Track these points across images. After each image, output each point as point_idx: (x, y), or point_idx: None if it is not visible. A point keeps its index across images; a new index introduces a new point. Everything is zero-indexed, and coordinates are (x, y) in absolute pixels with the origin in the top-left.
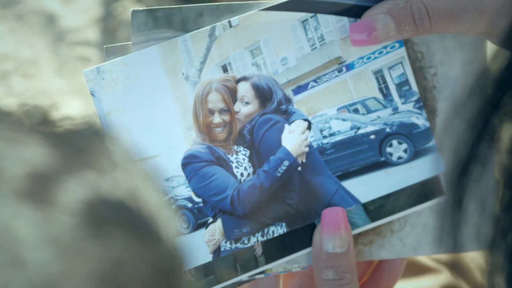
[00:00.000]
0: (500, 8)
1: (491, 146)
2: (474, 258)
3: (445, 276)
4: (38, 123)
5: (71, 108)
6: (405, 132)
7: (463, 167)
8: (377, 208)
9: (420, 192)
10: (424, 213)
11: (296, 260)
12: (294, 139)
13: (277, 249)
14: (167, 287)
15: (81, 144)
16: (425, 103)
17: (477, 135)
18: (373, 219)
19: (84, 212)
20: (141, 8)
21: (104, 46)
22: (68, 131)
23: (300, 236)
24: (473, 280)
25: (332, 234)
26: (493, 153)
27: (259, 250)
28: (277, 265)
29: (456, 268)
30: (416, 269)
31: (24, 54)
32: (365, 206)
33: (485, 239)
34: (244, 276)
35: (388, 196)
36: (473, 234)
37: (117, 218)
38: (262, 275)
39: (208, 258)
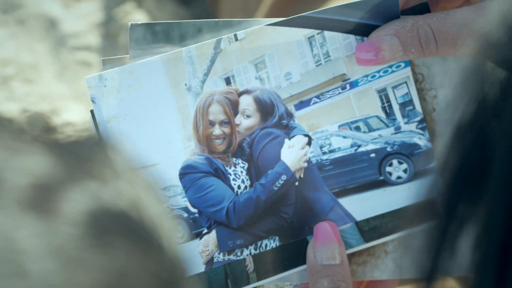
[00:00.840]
0: None
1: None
2: None
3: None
4: (40, 132)
5: (72, 113)
6: (406, 152)
7: (451, 209)
8: (372, 229)
9: (416, 215)
10: (419, 235)
11: (288, 278)
12: (293, 154)
13: (269, 266)
14: None
15: (83, 153)
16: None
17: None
18: (367, 240)
19: (87, 222)
20: (139, 22)
21: (102, 59)
22: (70, 140)
23: (293, 253)
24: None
25: (325, 247)
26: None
27: (251, 267)
28: (269, 282)
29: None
30: (412, 281)
31: (25, 59)
32: (360, 226)
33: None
34: None
35: (383, 217)
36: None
37: (119, 228)
38: None
39: (201, 268)
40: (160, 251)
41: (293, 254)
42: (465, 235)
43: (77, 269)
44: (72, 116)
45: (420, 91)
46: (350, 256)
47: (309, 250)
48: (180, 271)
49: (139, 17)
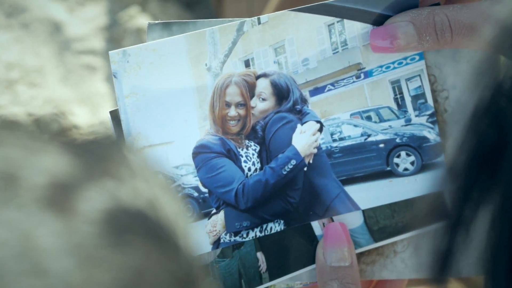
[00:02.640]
0: None
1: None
2: None
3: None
4: (57, 132)
5: (77, 117)
6: (415, 144)
7: (466, 192)
8: (381, 229)
9: (425, 215)
10: (428, 235)
11: (298, 277)
12: (304, 139)
13: (280, 266)
14: None
15: (100, 152)
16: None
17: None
18: (376, 239)
19: (104, 221)
20: (157, 22)
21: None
22: (87, 139)
23: (303, 253)
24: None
25: (335, 248)
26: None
27: (263, 267)
28: (280, 282)
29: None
30: (420, 281)
31: (29, 62)
32: (369, 226)
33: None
34: None
35: (392, 217)
36: (472, 260)
37: (136, 227)
38: None
39: (208, 248)
40: (176, 250)
41: (304, 255)
42: (480, 218)
43: (95, 268)
44: (77, 120)
45: (432, 92)
46: (359, 256)
47: (318, 250)
48: (196, 270)
49: (144, 20)
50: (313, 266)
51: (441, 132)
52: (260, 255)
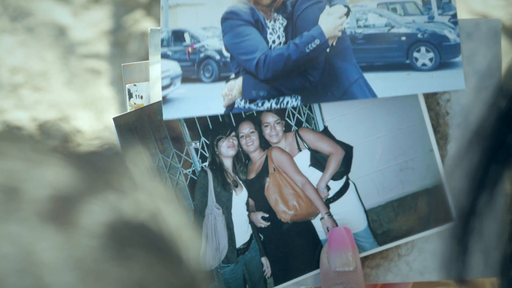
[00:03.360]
0: None
1: (502, 171)
2: None
3: None
4: (59, 144)
5: (82, 121)
6: (435, 42)
7: (474, 192)
8: (385, 232)
9: (429, 218)
10: (432, 238)
11: (303, 282)
12: (330, 21)
13: (285, 271)
14: None
15: (102, 164)
16: (437, 129)
17: (490, 158)
18: (380, 243)
19: (106, 234)
20: (158, 28)
21: (122, 64)
22: (89, 151)
23: (307, 257)
24: None
25: (340, 252)
26: (504, 178)
27: (268, 272)
28: (285, 286)
29: (465, 283)
30: (425, 284)
31: (34, 66)
32: (373, 229)
33: (493, 266)
34: None
35: (396, 220)
36: (481, 261)
37: (138, 240)
38: None
39: (221, 110)
40: (179, 263)
41: (308, 260)
42: (498, 196)
43: (97, 282)
44: (81, 124)
45: (433, 95)
46: (364, 260)
47: (323, 255)
48: (199, 283)
49: (148, 24)
50: (317, 270)
51: (443, 134)
52: (264, 260)
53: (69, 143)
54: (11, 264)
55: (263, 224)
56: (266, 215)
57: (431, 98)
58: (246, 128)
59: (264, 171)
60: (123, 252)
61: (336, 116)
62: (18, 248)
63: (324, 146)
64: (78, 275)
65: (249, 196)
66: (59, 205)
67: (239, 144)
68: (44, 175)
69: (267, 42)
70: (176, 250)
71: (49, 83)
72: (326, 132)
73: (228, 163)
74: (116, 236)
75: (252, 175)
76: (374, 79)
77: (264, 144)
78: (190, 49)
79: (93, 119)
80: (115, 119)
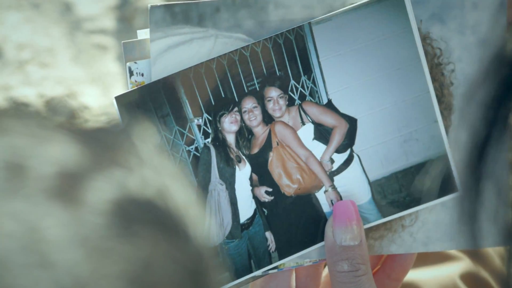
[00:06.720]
0: None
1: (505, 130)
2: None
3: (465, 263)
4: (65, 120)
5: (88, 96)
6: None
7: (479, 152)
8: (389, 203)
9: (433, 188)
10: (436, 209)
11: (307, 255)
12: None
13: (289, 245)
14: (196, 287)
15: (108, 141)
16: (442, 100)
17: (492, 118)
18: (384, 215)
19: (113, 212)
20: (159, 4)
21: (122, 42)
22: (95, 127)
23: (311, 231)
24: (492, 267)
25: (344, 227)
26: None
27: (272, 246)
28: (289, 260)
29: (475, 255)
30: (436, 257)
31: (40, 43)
32: (377, 201)
33: (503, 231)
34: (258, 272)
35: (400, 191)
36: (489, 228)
37: (145, 217)
38: (275, 270)
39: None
40: (186, 241)
41: (312, 233)
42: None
43: (103, 259)
44: (88, 100)
45: (438, 65)
46: (367, 231)
47: (327, 229)
48: (206, 260)
49: (153, 0)
50: (322, 243)
51: (447, 104)
52: (268, 234)
53: (76, 119)
54: (16, 242)
55: (267, 198)
56: (270, 190)
57: (436, 69)
58: (248, 103)
59: (267, 146)
60: (129, 229)
61: (340, 89)
62: (23, 225)
63: (328, 119)
64: (84, 252)
65: (253, 171)
66: (65, 182)
67: (242, 119)
68: (50, 151)
69: None
70: (183, 227)
71: (55, 59)
72: (330, 105)
73: (231, 139)
74: (122, 213)
75: (255, 150)
76: None
77: (267, 119)
78: None
79: (100, 95)
80: (117, 98)
